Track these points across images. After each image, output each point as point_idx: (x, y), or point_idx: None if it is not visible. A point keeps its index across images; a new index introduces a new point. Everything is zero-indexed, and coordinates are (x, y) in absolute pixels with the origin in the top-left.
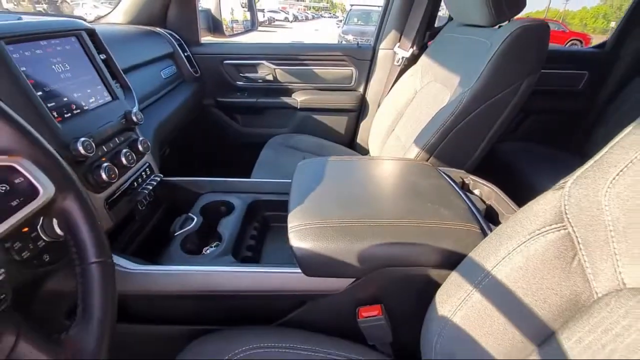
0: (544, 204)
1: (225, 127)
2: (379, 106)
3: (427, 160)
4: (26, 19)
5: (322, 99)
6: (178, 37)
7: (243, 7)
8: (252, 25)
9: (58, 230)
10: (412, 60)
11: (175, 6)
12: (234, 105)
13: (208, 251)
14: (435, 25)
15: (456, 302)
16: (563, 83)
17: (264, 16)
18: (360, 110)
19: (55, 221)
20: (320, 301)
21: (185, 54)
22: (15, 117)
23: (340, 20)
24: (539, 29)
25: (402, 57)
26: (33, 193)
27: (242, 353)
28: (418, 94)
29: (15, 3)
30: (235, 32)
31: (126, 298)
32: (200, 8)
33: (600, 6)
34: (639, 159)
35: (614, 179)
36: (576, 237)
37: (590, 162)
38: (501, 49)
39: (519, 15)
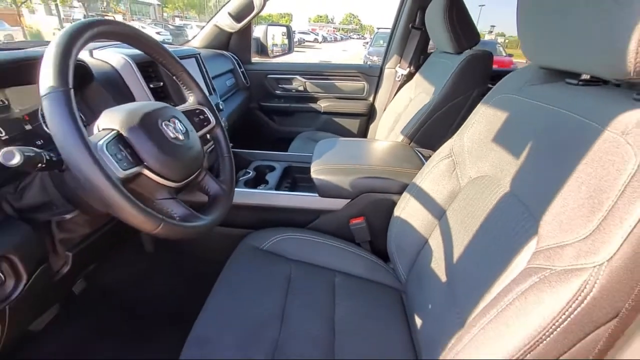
0: (444, 148)
1: (264, 125)
2: (384, 112)
3: (408, 144)
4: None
5: (340, 105)
6: (236, 58)
7: (283, 35)
8: (289, 49)
9: None
10: (409, 77)
11: (236, 36)
12: (272, 109)
13: (260, 187)
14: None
15: (402, 206)
16: None
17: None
18: (369, 115)
19: None
20: (328, 215)
21: (241, 70)
22: (201, 87)
23: (367, 42)
24: (483, 57)
25: (402, 75)
26: (209, 122)
27: (280, 237)
28: (412, 101)
29: (72, 23)
30: (275, 54)
31: None
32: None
33: None
34: (477, 118)
35: (468, 129)
36: (454, 160)
37: (463, 125)
38: (457, 69)
39: None
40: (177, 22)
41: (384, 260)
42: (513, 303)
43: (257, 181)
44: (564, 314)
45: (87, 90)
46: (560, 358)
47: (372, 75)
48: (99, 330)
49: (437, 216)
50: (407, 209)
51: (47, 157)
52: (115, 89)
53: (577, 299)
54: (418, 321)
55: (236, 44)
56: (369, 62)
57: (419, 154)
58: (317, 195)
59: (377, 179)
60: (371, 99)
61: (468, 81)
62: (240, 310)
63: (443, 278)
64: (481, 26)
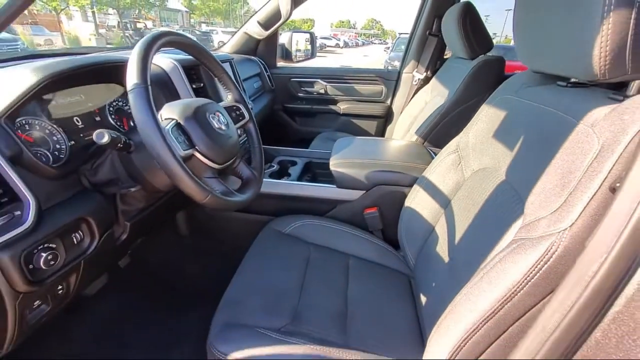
0: (451, 144)
1: (287, 125)
2: (400, 114)
3: (422, 144)
4: None
5: (359, 107)
6: (263, 62)
7: (306, 41)
8: (312, 55)
9: None
10: (425, 81)
11: (263, 42)
12: (295, 110)
13: (283, 179)
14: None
15: (412, 197)
16: None
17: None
18: (386, 117)
19: None
20: (344, 204)
21: (267, 74)
22: (238, 87)
23: (388, 47)
24: (495, 62)
25: (418, 79)
26: (244, 117)
27: (300, 223)
28: (427, 104)
29: (107, 29)
30: (299, 59)
31: None
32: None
33: None
34: (480, 117)
35: (473, 127)
36: (460, 155)
37: (469, 123)
38: (470, 74)
39: None
40: (204, 27)
41: (395, 248)
42: (495, 266)
43: (280, 174)
44: (534, 269)
45: None
46: (534, 308)
47: (390, 79)
48: (143, 298)
49: (443, 205)
50: (417, 200)
51: (124, 140)
52: (164, 88)
53: (544, 258)
54: (423, 299)
55: (263, 49)
56: (389, 67)
57: (430, 151)
58: (334, 186)
59: (391, 173)
60: (388, 101)
61: (480, 85)
62: (265, 280)
63: (446, 259)
64: (508, 31)
